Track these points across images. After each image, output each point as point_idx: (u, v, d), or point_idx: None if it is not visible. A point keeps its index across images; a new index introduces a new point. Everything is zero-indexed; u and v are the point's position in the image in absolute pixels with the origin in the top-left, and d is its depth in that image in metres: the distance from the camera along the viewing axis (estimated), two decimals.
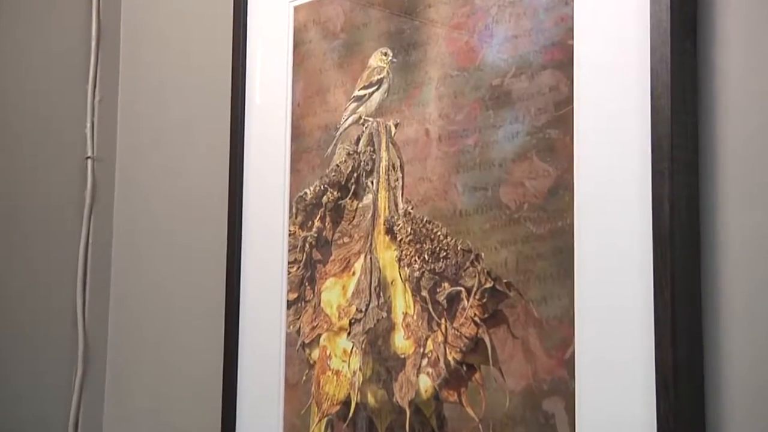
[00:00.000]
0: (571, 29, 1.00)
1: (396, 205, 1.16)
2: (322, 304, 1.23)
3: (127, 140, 1.59)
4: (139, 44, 1.60)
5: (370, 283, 1.18)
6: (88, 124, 1.57)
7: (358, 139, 1.21)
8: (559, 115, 1.01)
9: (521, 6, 1.05)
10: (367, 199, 1.19)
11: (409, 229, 1.14)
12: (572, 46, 1.00)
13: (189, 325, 1.45)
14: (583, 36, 0.99)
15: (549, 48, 1.02)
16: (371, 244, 1.18)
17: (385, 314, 1.16)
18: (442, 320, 1.10)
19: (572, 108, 1.00)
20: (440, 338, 1.10)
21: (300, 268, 1.26)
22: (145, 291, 1.53)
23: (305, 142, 1.27)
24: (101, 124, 1.59)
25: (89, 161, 1.57)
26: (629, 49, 0.95)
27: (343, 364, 1.20)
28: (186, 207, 1.48)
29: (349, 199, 1.21)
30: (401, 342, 1.14)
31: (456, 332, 1.08)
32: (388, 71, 1.18)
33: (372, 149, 1.19)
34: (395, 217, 1.15)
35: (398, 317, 1.15)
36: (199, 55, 1.49)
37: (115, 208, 1.59)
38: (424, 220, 1.12)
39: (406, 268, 1.14)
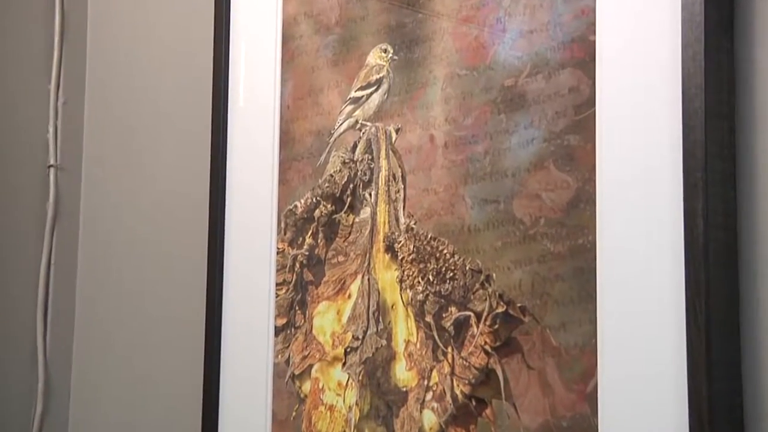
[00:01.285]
0: (593, 23, 1.01)
1: (397, 219, 1.16)
2: (314, 331, 1.24)
3: (94, 147, 1.60)
4: (108, 39, 1.60)
5: (368, 307, 1.18)
6: (51, 129, 1.58)
7: (355, 146, 1.22)
8: (580, 119, 1.01)
9: None
10: (365, 213, 1.20)
11: (411, 247, 1.14)
12: (594, 42, 1.01)
13: (165, 355, 1.45)
14: (607, 31, 1.00)
15: (568, 44, 1.03)
16: (369, 264, 1.19)
17: (384, 342, 1.16)
18: (449, 349, 1.10)
19: (594, 111, 1.00)
20: (446, 369, 1.10)
21: (289, 291, 1.26)
22: (115, 317, 1.53)
23: (295, 149, 1.28)
24: (65, 128, 1.59)
25: (52, 170, 1.57)
26: (658, 45, 0.96)
27: (337, 398, 1.20)
28: (161, 222, 1.48)
29: (345, 213, 1.22)
30: (403, 373, 1.15)
31: (464, 362, 1.09)
32: (388, 70, 1.19)
33: (370, 157, 1.20)
34: (396, 234, 1.16)
35: (399, 345, 1.15)
36: (175, 51, 1.50)
37: (81, 224, 1.59)
38: (429, 236, 1.13)
39: (408, 291, 1.14)
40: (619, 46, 0.99)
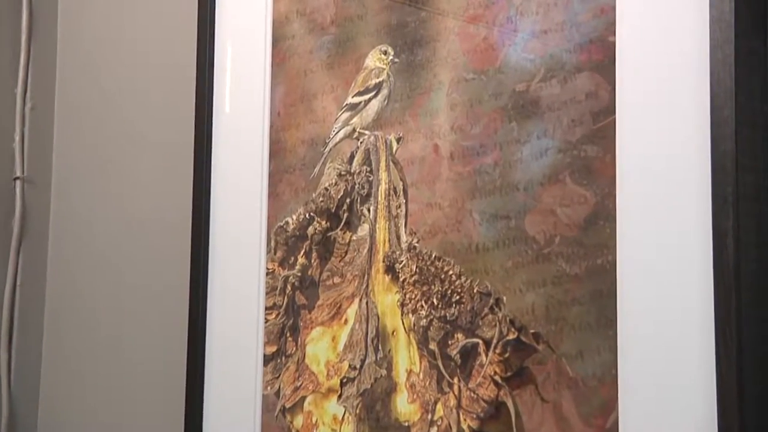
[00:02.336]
0: (613, 23, 1.02)
1: (398, 237, 1.17)
2: (306, 360, 1.24)
3: (65, 157, 1.60)
4: (81, 38, 1.61)
5: (367, 333, 1.19)
6: (17, 138, 1.58)
7: (352, 157, 1.22)
8: (598, 127, 1.02)
9: None
10: (363, 230, 1.20)
11: (414, 267, 1.14)
12: (614, 43, 1.01)
13: (142, 387, 1.45)
14: (628, 31, 1.01)
15: (586, 45, 1.04)
16: (367, 286, 1.19)
17: (384, 372, 1.17)
18: (455, 380, 1.10)
19: (614, 119, 1.01)
20: (452, 402, 1.10)
21: (280, 315, 1.27)
22: (87, 345, 1.53)
23: (286, 160, 1.28)
24: (33, 137, 1.60)
25: (18, 182, 1.57)
26: (684, 47, 0.96)
27: None
28: (138, 240, 1.48)
29: (341, 230, 1.22)
30: (404, 406, 1.15)
31: (472, 394, 1.09)
32: (388, 74, 1.19)
33: (368, 169, 1.20)
34: (397, 253, 1.16)
35: (401, 376, 1.15)
36: (155, 52, 1.50)
37: (50, 242, 1.59)
38: (433, 256, 1.13)
39: (410, 316, 1.15)
40: (641, 48, 1.00)
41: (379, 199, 1.19)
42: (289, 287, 1.26)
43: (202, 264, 1.33)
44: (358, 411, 1.18)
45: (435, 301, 1.12)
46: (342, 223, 1.22)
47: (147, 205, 1.48)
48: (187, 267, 1.34)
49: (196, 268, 1.33)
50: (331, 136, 1.24)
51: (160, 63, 1.49)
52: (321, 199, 1.24)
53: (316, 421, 1.22)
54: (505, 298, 1.07)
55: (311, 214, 1.25)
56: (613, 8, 1.02)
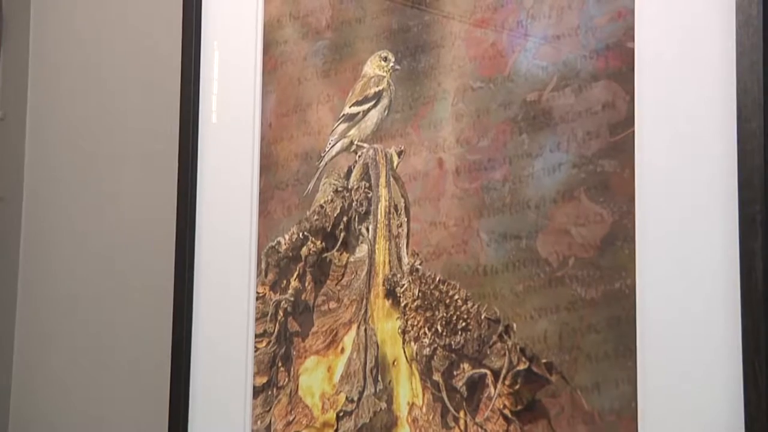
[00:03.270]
0: (632, 27, 1.02)
1: (399, 259, 1.17)
2: (300, 392, 1.24)
3: (37, 173, 1.60)
4: (54, 44, 1.61)
5: (365, 363, 1.19)
6: None
7: (349, 172, 1.23)
8: (616, 140, 1.02)
9: None
10: (361, 251, 1.20)
11: (416, 292, 1.15)
12: (633, 49, 1.02)
13: (122, 420, 1.45)
14: (648, 36, 1.01)
15: (602, 52, 1.04)
16: (366, 312, 1.19)
17: (384, 405, 1.17)
18: (461, 413, 1.10)
19: (633, 132, 1.01)
20: None
21: (271, 344, 1.27)
22: (62, 373, 1.52)
23: (278, 176, 1.28)
24: (3, 151, 1.60)
25: None
26: (708, 53, 0.97)
27: None
28: (118, 262, 1.48)
29: (337, 251, 1.22)
30: None
31: (479, 430, 1.09)
32: (388, 82, 1.20)
33: (367, 185, 1.21)
34: (398, 276, 1.17)
35: (402, 409, 1.15)
36: (136, 58, 1.50)
37: (20, 263, 1.59)
38: (437, 279, 1.13)
39: (412, 344, 1.15)
40: (662, 55, 1.00)
41: (379, 217, 1.19)
42: (281, 313, 1.26)
43: (187, 288, 1.33)
44: None
45: (439, 328, 1.12)
46: (338, 244, 1.22)
47: (126, 223, 1.47)
48: (170, 290, 1.33)
49: (180, 292, 1.33)
50: (327, 150, 1.24)
51: (142, 70, 1.48)
52: (315, 217, 1.24)
53: None
54: (515, 325, 1.07)
55: (305, 233, 1.25)
56: (632, 12, 1.02)
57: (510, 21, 1.11)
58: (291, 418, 1.24)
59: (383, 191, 1.19)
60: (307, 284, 1.24)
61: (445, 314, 1.12)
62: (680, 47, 0.99)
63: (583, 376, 1.02)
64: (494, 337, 1.08)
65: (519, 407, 1.06)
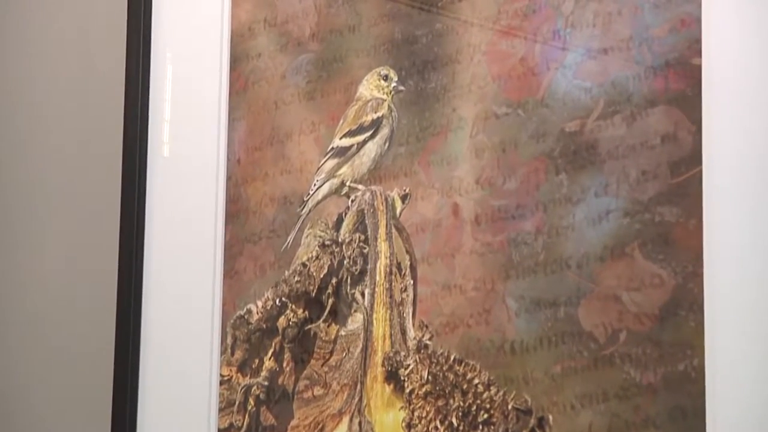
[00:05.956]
0: (698, 39, 1.03)
1: (403, 332, 1.17)
2: None
3: None
4: None
5: None
6: None
7: (340, 221, 1.23)
8: (679, 182, 1.03)
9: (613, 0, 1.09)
10: (355, 322, 1.21)
11: (425, 374, 1.15)
12: (699, 66, 1.03)
13: None
14: (718, 50, 1.02)
15: (661, 70, 1.05)
16: (361, 400, 1.19)
17: None
18: None
19: (700, 171, 1.02)
20: None
21: None
22: None
23: (249, 225, 1.29)
24: None
25: None
26: None
27: None
28: (47, 335, 1.48)
29: (324, 322, 1.23)
30: None
31: None
32: (390, 106, 1.21)
33: (363, 237, 1.21)
34: (402, 354, 1.17)
35: None
36: (65, 72, 1.49)
37: None
38: (452, 358, 1.14)
39: None
40: (735, 74, 1.01)
41: (378, 279, 1.19)
42: (251, 401, 1.26)
43: (131, 370, 1.33)
44: None
45: (454, 420, 1.13)
46: (326, 313, 1.22)
47: (54, 285, 1.47)
48: (109, 370, 1.34)
49: (120, 378, 1.33)
50: (312, 193, 1.25)
51: (73, 89, 1.48)
52: (297, 278, 1.24)
53: None
54: (551, 418, 1.08)
55: (283, 299, 1.25)
56: (698, 20, 1.03)
57: (544, 30, 1.12)
58: None
59: (383, 246, 1.20)
60: (285, 365, 1.25)
61: (461, 403, 1.12)
62: (759, 65, 1.00)
63: None
64: None
65: None
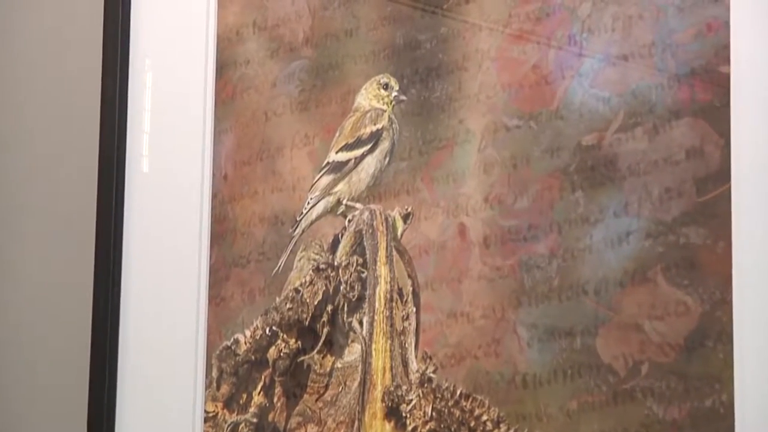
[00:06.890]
0: (727, 45, 1.03)
1: (405, 364, 1.17)
2: None
3: None
4: None
5: None
6: None
7: (336, 243, 1.23)
8: (706, 201, 1.03)
9: (634, 2, 1.09)
10: (352, 353, 1.21)
11: (429, 410, 1.15)
12: (728, 75, 1.03)
13: None
14: (749, 57, 1.02)
15: (686, 79, 1.05)
16: None
17: None
18: None
19: (729, 188, 1.02)
20: None
21: None
22: None
23: (236, 248, 1.29)
24: None
25: None
26: None
27: None
28: (19, 362, 1.49)
29: (319, 353, 1.23)
30: None
31: None
32: (390, 118, 1.21)
33: (361, 261, 1.21)
34: (404, 388, 1.17)
35: None
36: (40, 79, 1.50)
37: None
38: (458, 392, 1.14)
39: None
40: (767, 84, 1.01)
41: (377, 306, 1.20)
42: None
43: (107, 406, 1.33)
44: None
45: None
46: (320, 343, 1.23)
47: (26, 308, 1.48)
48: (83, 409, 1.34)
49: (97, 414, 1.33)
50: (305, 212, 1.25)
51: (47, 98, 1.49)
52: (288, 305, 1.25)
53: None
54: None
55: (274, 328, 1.25)
56: (727, 24, 1.04)
57: (559, 35, 1.12)
58: None
59: (383, 270, 1.20)
60: (275, 400, 1.25)
61: None
62: None
63: None
64: None
65: None
